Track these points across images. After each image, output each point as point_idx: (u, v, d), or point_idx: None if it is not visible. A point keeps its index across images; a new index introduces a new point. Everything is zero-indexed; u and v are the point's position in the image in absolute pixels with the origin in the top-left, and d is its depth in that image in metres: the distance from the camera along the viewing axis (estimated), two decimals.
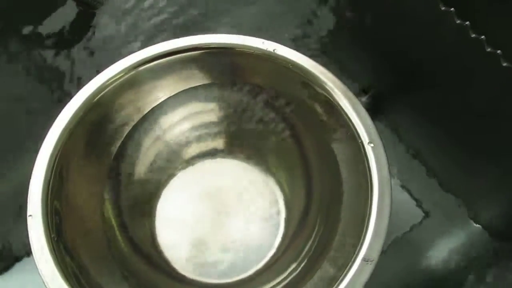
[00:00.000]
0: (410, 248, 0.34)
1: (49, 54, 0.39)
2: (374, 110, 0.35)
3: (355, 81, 0.36)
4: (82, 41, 0.39)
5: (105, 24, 0.40)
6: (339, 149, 0.28)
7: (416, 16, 0.28)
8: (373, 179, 0.26)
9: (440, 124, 0.32)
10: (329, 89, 0.28)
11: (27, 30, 0.40)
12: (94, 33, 0.40)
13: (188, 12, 0.41)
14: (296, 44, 0.39)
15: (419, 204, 0.35)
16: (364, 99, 0.36)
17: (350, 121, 0.27)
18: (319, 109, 0.29)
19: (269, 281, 0.28)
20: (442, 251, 0.33)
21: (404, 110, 0.36)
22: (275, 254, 0.30)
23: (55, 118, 0.27)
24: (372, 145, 0.26)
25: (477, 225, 0.34)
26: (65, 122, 0.26)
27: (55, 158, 0.26)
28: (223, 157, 0.33)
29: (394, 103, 0.36)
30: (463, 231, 0.34)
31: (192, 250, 0.31)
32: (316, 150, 0.30)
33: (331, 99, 0.28)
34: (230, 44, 0.29)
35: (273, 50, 0.29)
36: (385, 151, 0.26)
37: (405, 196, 0.35)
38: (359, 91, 0.37)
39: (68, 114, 0.27)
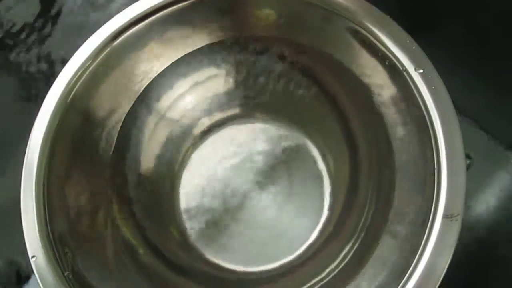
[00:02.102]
0: None
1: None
2: None
3: None
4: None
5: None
6: (379, 87, 0.23)
7: None
8: (431, 115, 0.20)
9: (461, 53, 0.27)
10: (350, 12, 0.22)
11: None
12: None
13: None
14: None
15: None
16: None
17: (385, 46, 0.22)
18: (343, 45, 0.23)
19: (317, 273, 0.24)
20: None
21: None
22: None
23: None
24: (421, 70, 0.21)
25: None
26: (41, 137, 0.21)
27: (43, 185, 0.21)
28: (245, 121, 0.27)
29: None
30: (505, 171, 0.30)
31: (224, 237, 0.26)
32: (351, 101, 0.24)
33: (356, 25, 0.22)
34: None
35: None
36: (439, 75, 0.21)
37: None
38: None
39: (42, 126, 0.21)
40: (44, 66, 0.34)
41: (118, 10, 0.23)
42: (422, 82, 0.21)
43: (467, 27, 0.27)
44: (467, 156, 0.29)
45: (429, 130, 0.20)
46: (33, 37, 0.34)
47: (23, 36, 0.34)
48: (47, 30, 0.34)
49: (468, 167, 0.29)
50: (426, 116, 0.21)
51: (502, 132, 0.30)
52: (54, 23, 0.34)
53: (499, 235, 0.29)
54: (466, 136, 0.28)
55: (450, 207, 0.19)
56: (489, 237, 0.28)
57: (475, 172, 0.29)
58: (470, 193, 0.29)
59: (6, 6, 0.35)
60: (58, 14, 0.34)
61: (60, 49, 0.34)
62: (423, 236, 0.19)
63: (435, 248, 0.19)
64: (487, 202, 0.29)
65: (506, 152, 0.30)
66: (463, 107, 0.29)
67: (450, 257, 0.19)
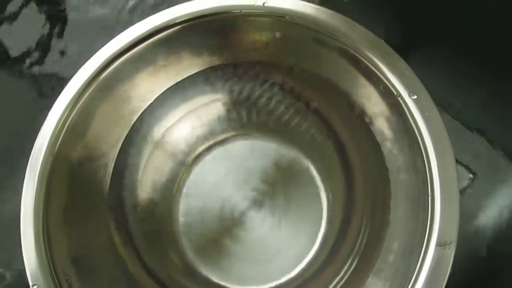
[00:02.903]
0: None
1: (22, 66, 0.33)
2: None
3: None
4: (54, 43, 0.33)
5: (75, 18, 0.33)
6: (374, 112, 0.23)
7: None
8: (425, 141, 0.21)
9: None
10: (345, 37, 0.22)
11: None
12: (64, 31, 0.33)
13: None
14: None
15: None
16: None
17: (380, 71, 0.22)
18: (339, 70, 0.23)
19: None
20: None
21: (425, 58, 0.30)
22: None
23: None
24: (415, 96, 0.21)
25: None
26: (36, 172, 0.21)
27: (42, 216, 0.21)
28: (241, 140, 0.27)
29: (412, 52, 0.30)
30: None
31: (222, 257, 0.26)
32: (346, 125, 0.25)
33: (351, 50, 0.22)
34: (209, 9, 0.23)
35: (263, 4, 0.23)
36: (433, 101, 0.21)
37: None
38: None
39: (39, 158, 0.21)
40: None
41: None
42: (416, 108, 0.21)
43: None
44: (470, 172, 0.30)
45: (423, 157, 0.21)
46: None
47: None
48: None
49: (471, 182, 0.29)
50: (420, 142, 0.21)
51: (507, 146, 0.30)
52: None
53: (503, 252, 0.29)
54: (471, 150, 0.29)
55: (444, 235, 0.19)
56: (492, 253, 0.29)
57: (479, 187, 0.29)
58: (474, 209, 0.29)
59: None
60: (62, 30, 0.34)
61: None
62: (417, 263, 0.19)
63: (428, 277, 0.19)
64: (491, 217, 0.29)
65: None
66: (468, 121, 0.30)
67: (444, 285, 0.19)
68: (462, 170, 0.29)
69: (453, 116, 0.30)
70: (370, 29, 0.22)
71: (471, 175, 0.29)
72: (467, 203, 0.29)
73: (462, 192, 0.29)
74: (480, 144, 0.30)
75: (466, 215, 0.29)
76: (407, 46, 0.30)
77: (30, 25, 0.34)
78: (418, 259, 0.19)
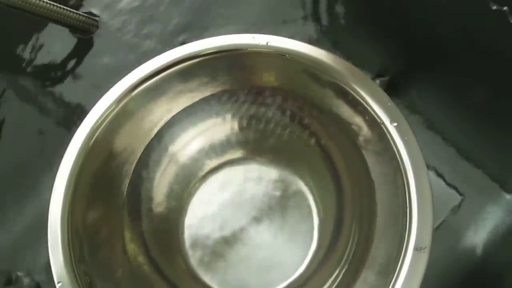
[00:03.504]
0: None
1: (47, 85, 0.37)
2: (392, 93, 0.32)
3: (369, 67, 0.34)
4: (79, 67, 0.37)
5: (100, 49, 0.37)
6: (362, 138, 0.26)
7: None
8: (404, 161, 0.24)
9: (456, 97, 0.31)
10: (336, 73, 0.26)
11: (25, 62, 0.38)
12: (90, 57, 0.37)
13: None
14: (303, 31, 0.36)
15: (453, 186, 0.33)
16: (378, 81, 0.34)
17: (366, 102, 0.25)
18: (331, 99, 0.27)
19: None
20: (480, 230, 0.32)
21: (424, 88, 0.33)
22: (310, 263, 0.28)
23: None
24: (395, 124, 0.25)
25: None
26: (66, 177, 0.24)
27: (67, 218, 0.24)
28: (245, 163, 0.31)
29: (413, 82, 0.34)
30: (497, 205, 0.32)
31: (223, 265, 0.29)
32: (338, 146, 0.28)
33: (341, 84, 0.26)
34: (219, 47, 0.27)
35: (266, 43, 0.27)
36: (412, 128, 0.25)
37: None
38: (374, 77, 0.34)
39: (68, 165, 0.25)
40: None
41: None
42: (396, 133, 0.25)
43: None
44: (459, 193, 0.32)
45: (402, 174, 0.24)
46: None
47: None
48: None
49: (460, 204, 0.32)
50: (400, 162, 0.24)
51: (495, 169, 0.32)
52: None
53: (490, 272, 0.31)
54: (459, 173, 0.32)
55: (420, 241, 0.23)
56: (481, 269, 0.31)
57: (467, 209, 0.31)
58: (463, 229, 0.31)
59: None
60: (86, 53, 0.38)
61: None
62: (397, 265, 0.23)
63: (407, 277, 0.22)
64: (479, 238, 0.31)
65: (499, 189, 0.32)
66: (457, 144, 0.32)
67: (419, 284, 0.22)
68: (452, 192, 0.32)
69: (444, 140, 0.33)
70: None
71: (460, 197, 0.32)
72: (457, 222, 0.31)
73: (452, 212, 0.32)
74: (468, 168, 0.32)
75: (457, 233, 0.31)
76: (404, 75, 0.34)
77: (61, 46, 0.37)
78: (398, 262, 0.22)
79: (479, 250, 0.31)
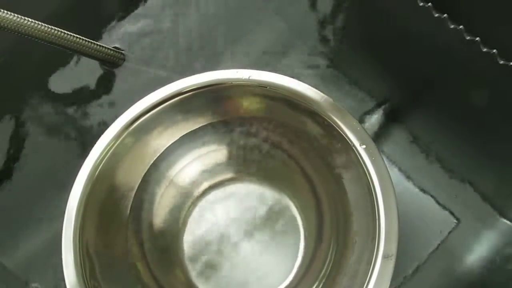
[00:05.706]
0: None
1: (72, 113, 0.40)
2: (392, 120, 0.36)
3: (372, 97, 0.38)
4: (102, 97, 0.40)
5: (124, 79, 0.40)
6: (337, 161, 0.30)
7: (422, 33, 0.28)
8: (373, 178, 0.27)
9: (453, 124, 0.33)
10: (311, 102, 0.29)
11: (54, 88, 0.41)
12: (113, 88, 0.40)
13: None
14: (307, 64, 0.39)
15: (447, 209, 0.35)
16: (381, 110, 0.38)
17: (339, 127, 0.29)
18: (307, 125, 0.30)
19: None
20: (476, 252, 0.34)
21: (420, 117, 0.37)
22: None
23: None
24: (364, 146, 0.28)
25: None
26: (76, 203, 0.28)
27: (78, 241, 0.27)
28: (237, 183, 0.34)
29: (409, 112, 0.37)
30: (494, 230, 0.34)
31: (218, 277, 0.32)
32: (314, 168, 0.32)
33: (316, 110, 0.29)
34: (208, 82, 0.30)
35: (248, 77, 0.30)
36: (378, 149, 0.28)
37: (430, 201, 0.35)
38: (375, 105, 0.38)
39: (76, 195, 0.28)
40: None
41: None
42: (365, 154, 0.28)
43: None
44: (454, 217, 0.34)
45: (371, 190, 0.27)
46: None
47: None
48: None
49: (456, 226, 0.34)
50: (369, 178, 0.27)
51: (491, 193, 0.34)
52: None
53: None
54: (455, 197, 0.34)
55: (388, 249, 0.26)
56: None
57: (463, 232, 0.34)
58: (459, 253, 0.33)
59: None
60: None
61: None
62: (368, 270, 0.26)
63: (377, 281, 0.25)
64: (475, 261, 0.33)
65: (494, 212, 0.34)
66: (453, 168, 0.35)
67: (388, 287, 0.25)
68: (448, 215, 0.35)
69: (442, 167, 0.36)
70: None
71: (455, 221, 0.34)
72: (453, 246, 0.34)
73: (448, 235, 0.34)
74: (464, 192, 0.35)
75: (453, 255, 0.34)
76: (404, 103, 0.37)
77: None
78: (369, 268, 0.26)
79: (477, 271, 0.33)
